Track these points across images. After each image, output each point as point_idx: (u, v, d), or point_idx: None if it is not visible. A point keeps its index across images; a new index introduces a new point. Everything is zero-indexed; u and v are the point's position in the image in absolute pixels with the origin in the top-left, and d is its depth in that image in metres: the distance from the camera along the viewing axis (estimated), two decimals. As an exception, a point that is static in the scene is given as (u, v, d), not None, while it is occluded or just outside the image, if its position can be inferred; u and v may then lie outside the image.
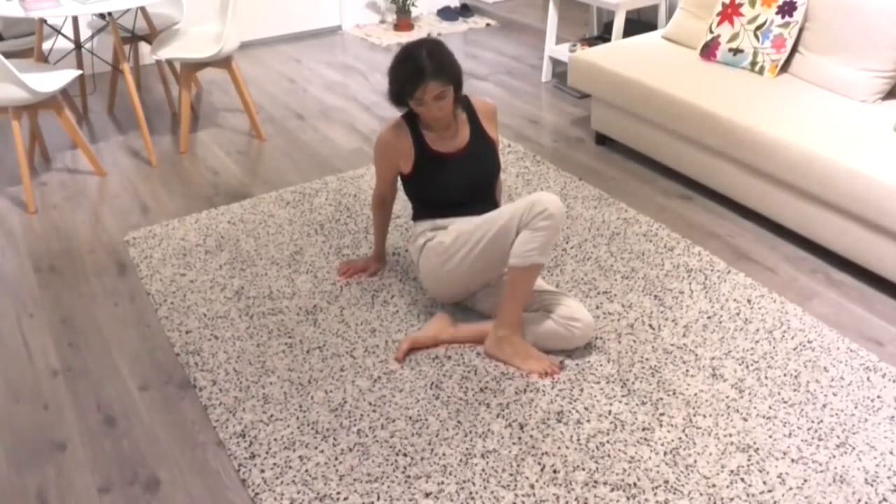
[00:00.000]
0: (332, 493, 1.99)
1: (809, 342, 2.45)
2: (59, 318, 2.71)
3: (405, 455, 2.09)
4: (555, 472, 2.02)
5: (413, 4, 5.71)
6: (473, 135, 2.51)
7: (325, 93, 4.60)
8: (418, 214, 2.59)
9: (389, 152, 2.51)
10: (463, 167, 2.48)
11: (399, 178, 2.59)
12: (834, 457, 2.04)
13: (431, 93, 2.30)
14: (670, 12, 4.44)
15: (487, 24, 5.84)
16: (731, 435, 2.12)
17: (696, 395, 2.26)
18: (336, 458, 2.09)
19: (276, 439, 2.15)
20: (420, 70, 2.27)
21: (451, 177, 2.47)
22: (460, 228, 2.41)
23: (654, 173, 3.54)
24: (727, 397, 2.25)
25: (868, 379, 2.30)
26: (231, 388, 2.34)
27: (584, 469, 2.03)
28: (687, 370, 2.35)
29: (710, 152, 3.17)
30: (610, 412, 2.21)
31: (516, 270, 2.26)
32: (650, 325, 2.55)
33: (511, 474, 2.02)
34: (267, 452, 2.11)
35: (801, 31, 3.27)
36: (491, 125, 2.57)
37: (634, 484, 1.98)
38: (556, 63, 4.73)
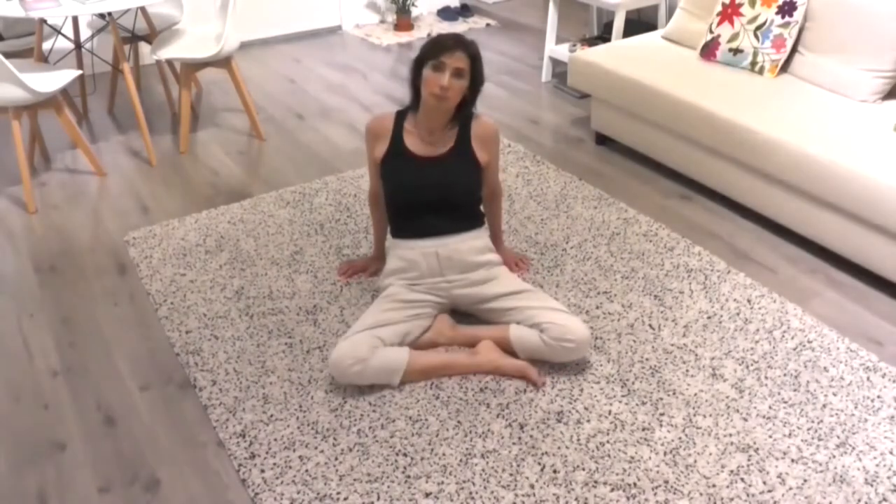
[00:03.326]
0: (332, 493, 1.99)
1: (809, 342, 2.45)
2: (59, 318, 2.71)
3: (405, 455, 2.09)
4: (555, 472, 2.02)
5: (413, 4, 5.71)
6: (456, 149, 2.47)
7: (325, 93, 4.60)
8: (392, 228, 2.59)
9: (371, 138, 2.51)
10: (428, 174, 2.44)
11: None
12: (834, 457, 2.04)
13: (456, 62, 2.28)
14: (670, 12, 4.44)
15: (487, 24, 5.84)
16: (731, 435, 2.12)
17: (696, 395, 2.26)
18: (336, 458, 2.09)
19: (276, 439, 2.15)
20: (457, 41, 2.31)
21: (412, 179, 2.45)
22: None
23: (654, 173, 3.54)
24: (727, 397, 2.25)
25: (868, 379, 2.30)
26: (231, 388, 2.34)
27: (584, 469, 2.03)
28: (687, 370, 2.35)
29: (710, 152, 3.17)
30: (610, 412, 2.21)
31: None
32: (650, 325, 2.55)
33: (511, 474, 2.02)
34: (267, 452, 2.11)
35: (801, 31, 3.27)
36: (482, 148, 2.49)
37: (634, 484, 1.98)
38: (556, 63, 4.73)
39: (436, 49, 2.30)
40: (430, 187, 2.45)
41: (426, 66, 2.32)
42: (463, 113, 2.44)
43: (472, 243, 2.50)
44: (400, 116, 2.50)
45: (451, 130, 2.47)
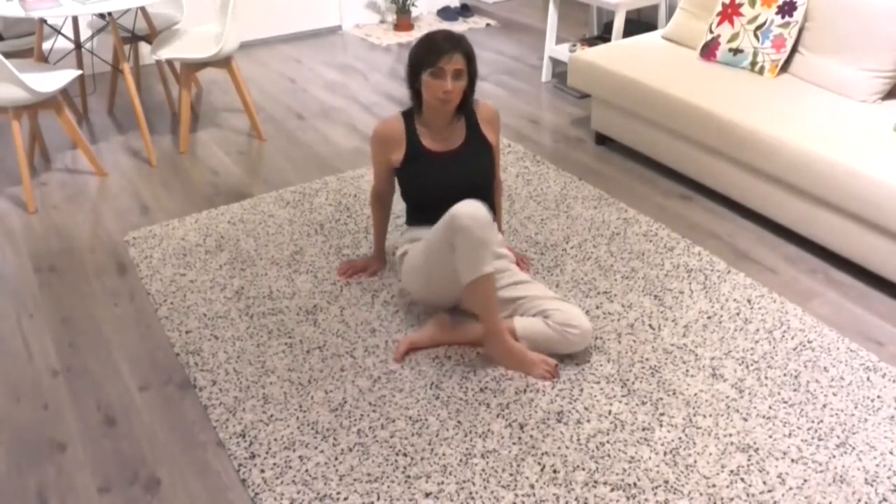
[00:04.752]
0: (332, 493, 1.99)
1: (809, 342, 2.45)
2: (59, 318, 2.71)
3: (405, 455, 2.09)
4: (555, 472, 2.02)
5: (413, 4, 5.71)
6: (469, 137, 2.51)
7: (325, 93, 4.60)
8: (409, 218, 2.59)
9: (383, 144, 2.51)
10: (452, 168, 2.47)
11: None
12: (834, 457, 2.04)
13: (455, 65, 2.29)
14: (670, 12, 4.44)
15: (487, 24, 5.84)
16: (731, 435, 2.12)
17: (696, 395, 2.26)
18: (336, 458, 2.09)
19: (276, 439, 2.15)
20: (448, 43, 2.30)
21: (439, 176, 2.46)
22: (418, 244, 2.42)
23: (654, 173, 3.54)
24: (727, 397, 2.25)
25: (868, 379, 2.30)
26: (231, 388, 2.34)
27: (584, 469, 2.03)
28: (687, 370, 2.35)
29: (710, 152, 3.17)
30: (610, 412, 2.21)
31: (469, 286, 2.26)
32: (650, 325, 2.55)
33: (511, 474, 2.02)
34: (267, 452, 2.11)
35: (801, 31, 3.27)
36: (490, 129, 2.55)
37: (634, 484, 1.98)
38: (556, 63, 4.73)
39: (432, 55, 2.30)
40: (456, 180, 2.47)
41: (424, 72, 2.33)
42: (465, 106, 2.46)
43: None
44: (407, 118, 2.49)
45: (458, 122, 2.50)
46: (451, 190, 2.47)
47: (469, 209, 2.19)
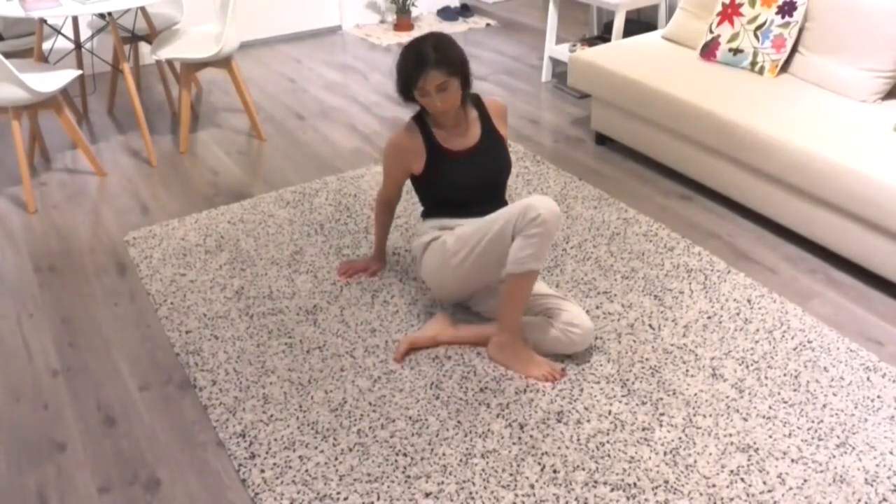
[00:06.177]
0: (332, 493, 1.99)
1: (809, 342, 2.45)
2: (59, 318, 2.71)
3: (405, 455, 2.09)
4: (555, 472, 2.02)
5: (413, 4, 5.71)
6: (484, 133, 2.51)
7: (325, 93, 4.60)
8: (428, 213, 2.59)
9: (401, 154, 2.49)
10: (474, 165, 2.48)
11: (409, 179, 2.59)
12: (834, 457, 2.04)
13: (433, 82, 2.29)
14: (670, 12, 4.44)
15: (487, 24, 5.84)
16: (731, 435, 2.12)
17: (696, 395, 2.26)
18: (336, 458, 2.09)
19: (276, 439, 2.15)
20: (423, 59, 2.28)
21: (462, 175, 2.47)
22: (462, 230, 2.41)
23: (654, 173, 3.54)
24: (727, 397, 2.25)
25: (868, 379, 2.30)
26: (231, 388, 2.34)
27: (584, 469, 2.03)
28: (687, 370, 2.35)
29: (710, 152, 3.17)
30: (610, 412, 2.21)
31: (512, 277, 2.25)
32: (650, 325, 2.55)
33: (511, 474, 2.02)
34: (267, 452, 2.11)
35: (801, 31, 3.27)
36: (501, 122, 2.57)
37: (634, 484, 1.98)
38: (556, 63, 4.73)
39: (411, 79, 2.31)
40: (479, 176, 2.48)
41: (413, 91, 2.35)
42: (467, 96, 2.46)
43: None
44: (421, 124, 2.48)
45: (471, 115, 2.51)
46: (474, 186, 2.49)
47: (548, 203, 2.22)
